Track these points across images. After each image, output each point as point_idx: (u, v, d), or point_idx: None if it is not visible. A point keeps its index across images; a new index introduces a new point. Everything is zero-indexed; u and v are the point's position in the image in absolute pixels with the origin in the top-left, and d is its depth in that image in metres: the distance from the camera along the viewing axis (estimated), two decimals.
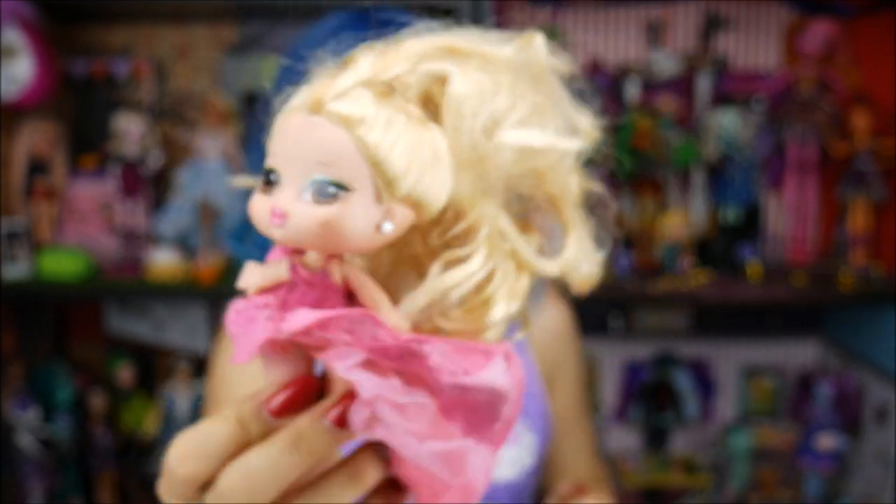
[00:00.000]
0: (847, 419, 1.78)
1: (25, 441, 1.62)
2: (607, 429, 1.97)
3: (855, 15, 1.71)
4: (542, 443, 0.92)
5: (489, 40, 0.35)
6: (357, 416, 0.32)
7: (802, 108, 1.79)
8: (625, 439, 1.99)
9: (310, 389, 0.34)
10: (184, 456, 0.32)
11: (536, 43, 0.36)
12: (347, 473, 0.34)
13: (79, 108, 1.82)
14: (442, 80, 0.34)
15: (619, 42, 1.86)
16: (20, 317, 1.69)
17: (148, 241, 1.68)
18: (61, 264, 1.59)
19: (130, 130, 1.61)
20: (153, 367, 1.88)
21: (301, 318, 0.31)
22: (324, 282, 0.33)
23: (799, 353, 2.00)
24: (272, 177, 0.32)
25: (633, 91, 1.81)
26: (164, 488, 0.34)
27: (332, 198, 0.31)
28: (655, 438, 1.94)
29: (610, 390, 1.98)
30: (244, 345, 0.32)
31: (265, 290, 0.33)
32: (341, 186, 0.31)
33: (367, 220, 0.31)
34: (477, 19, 1.49)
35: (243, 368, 0.74)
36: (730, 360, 1.99)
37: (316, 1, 1.58)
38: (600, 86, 1.81)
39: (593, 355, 1.94)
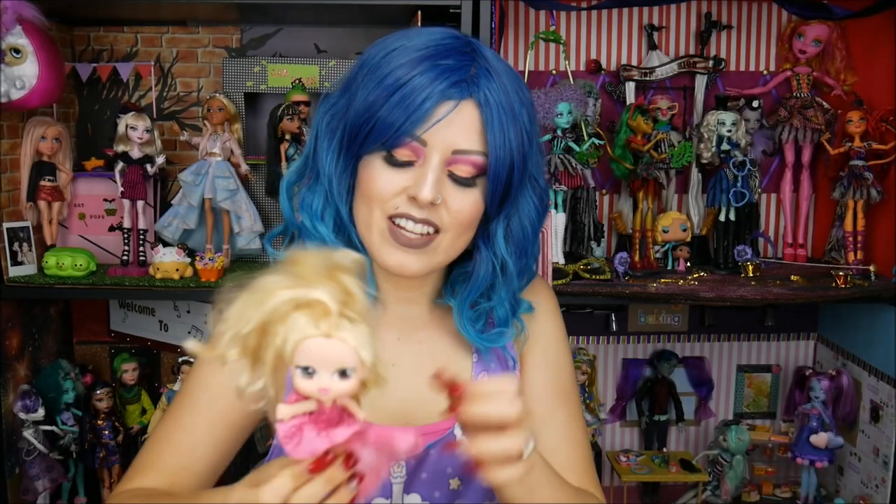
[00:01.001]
0: (843, 417, 1.79)
1: (31, 438, 1.64)
2: (606, 427, 1.99)
3: (850, 18, 1.72)
4: None
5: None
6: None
7: (798, 109, 1.80)
8: (623, 437, 2.01)
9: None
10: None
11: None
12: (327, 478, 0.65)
13: (84, 110, 1.84)
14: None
15: (618, 44, 1.88)
16: (26, 316, 1.70)
17: (152, 240, 1.70)
18: (66, 264, 1.61)
19: (135, 131, 1.63)
20: (157, 365, 1.90)
21: (344, 432, 0.64)
22: (332, 410, 0.64)
23: (795, 352, 2.02)
24: (309, 370, 0.61)
25: (631, 92, 1.83)
26: None
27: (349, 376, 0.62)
28: (653, 436, 1.96)
29: (608, 388, 1.99)
30: (307, 449, 0.63)
31: (294, 417, 0.63)
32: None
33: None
34: (477, 20, 1.51)
35: (220, 382, 0.94)
36: (727, 358, 2.01)
37: (316, 3, 1.60)
38: (599, 87, 1.83)
39: (593, 354, 1.96)
